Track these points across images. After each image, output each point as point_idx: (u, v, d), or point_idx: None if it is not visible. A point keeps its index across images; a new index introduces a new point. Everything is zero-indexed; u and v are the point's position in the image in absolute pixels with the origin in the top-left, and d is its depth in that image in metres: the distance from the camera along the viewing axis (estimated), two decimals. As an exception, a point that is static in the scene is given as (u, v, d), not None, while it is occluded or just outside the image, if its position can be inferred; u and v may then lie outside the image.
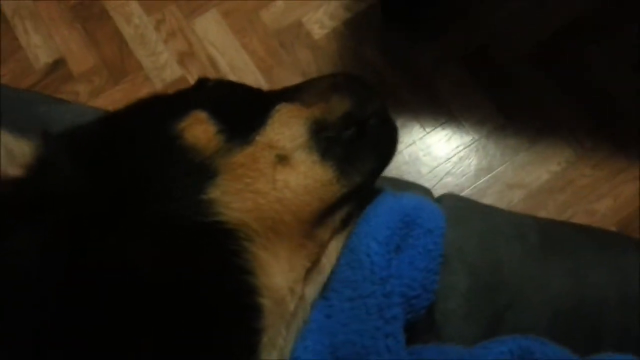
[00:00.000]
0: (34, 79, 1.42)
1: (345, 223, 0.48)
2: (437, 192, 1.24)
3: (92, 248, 0.37)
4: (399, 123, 1.29)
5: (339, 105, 0.48)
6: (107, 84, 1.40)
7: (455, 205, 0.62)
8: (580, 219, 1.22)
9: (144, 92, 1.38)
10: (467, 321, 0.54)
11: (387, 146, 0.51)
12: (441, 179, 1.28)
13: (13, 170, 0.40)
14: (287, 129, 0.44)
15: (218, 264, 0.38)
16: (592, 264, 0.58)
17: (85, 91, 1.40)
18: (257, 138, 0.43)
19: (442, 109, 1.31)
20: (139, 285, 0.36)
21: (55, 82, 1.42)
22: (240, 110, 0.47)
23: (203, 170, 0.40)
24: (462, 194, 1.26)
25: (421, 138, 1.30)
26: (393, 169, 1.28)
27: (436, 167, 1.29)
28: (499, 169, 1.27)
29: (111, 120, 0.47)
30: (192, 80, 1.37)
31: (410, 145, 1.30)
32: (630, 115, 1.26)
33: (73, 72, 1.42)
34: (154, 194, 0.39)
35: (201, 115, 0.44)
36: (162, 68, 1.39)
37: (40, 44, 1.45)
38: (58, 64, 1.43)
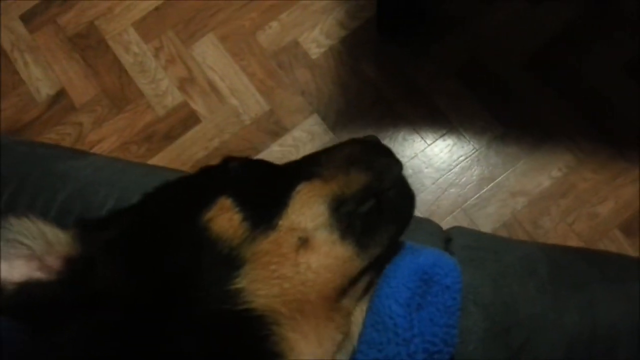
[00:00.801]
0: (37, 112, 1.44)
1: (368, 288, 0.50)
2: (442, 203, 1.29)
3: (144, 343, 0.39)
4: (399, 137, 1.34)
5: (357, 179, 0.50)
6: (110, 113, 1.42)
7: (467, 245, 0.64)
8: (582, 222, 1.24)
9: (146, 119, 1.40)
10: (485, 363, 0.56)
11: (405, 213, 0.53)
12: (445, 190, 1.30)
13: (52, 260, 0.43)
14: (307, 209, 0.47)
15: (250, 350, 0.41)
16: (602, 297, 0.60)
17: (89, 121, 1.42)
18: (280, 222, 0.45)
19: (441, 121, 1.33)
20: None
21: (58, 114, 1.43)
22: (263, 192, 0.49)
23: (231, 261, 0.42)
24: (466, 204, 1.29)
25: (423, 150, 1.32)
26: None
27: (439, 178, 1.31)
28: (501, 178, 1.29)
29: (143, 212, 0.49)
30: (194, 105, 1.39)
31: (412, 158, 1.32)
32: (627, 118, 1.28)
33: (75, 103, 1.44)
34: (189, 288, 0.41)
35: (226, 202, 0.46)
36: (164, 95, 1.41)
37: (41, 77, 1.46)
38: (59, 96, 1.44)
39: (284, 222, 0.45)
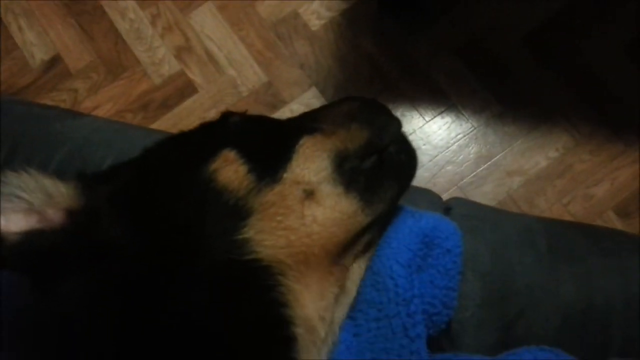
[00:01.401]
0: (31, 77, 1.42)
1: (368, 247, 0.50)
2: (439, 180, 1.28)
3: (151, 295, 0.39)
4: (398, 113, 1.32)
5: (358, 134, 0.50)
6: (105, 80, 1.40)
7: (467, 214, 0.64)
8: (577, 203, 1.25)
9: (142, 87, 1.39)
10: (481, 329, 0.56)
11: (408, 171, 0.53)
12: (442, 167, 1.30)
13: (53, 212, 0.42)
14: (311, 162, 0.46)
15: (257, 299, 0.40)
16: (599, 269, 0.60)
17: (84, 88, 1.40)
18: (285, 175, 0.45)
19: (440, 98, 1.33)
20: (202, 327, 0.38)
21: (53, 80, 1.41)
22: (266, 145, 0.48)
23: (237, 211, 0.42)
24: (463, 182, 1.28)
25: (421, 127, 1.32)
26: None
27: (436, 155, 1.31)
28: (498, 157, 1.29)
29: (145, 165, 0.48)
30: (191, 74, 1.37)
31: (410, 134, 1.31)
32: (625, 100, 1.28)
33: (70, 69, 1.41)
34: (196, 239, 0.40)
35: (230, 154, 0.45)
36: (160, 63, 1.39)
37: (35, 42, 1.43)
38: (55, 61, 1.42)
39: (289, 175, 0.45)
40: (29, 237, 0.39)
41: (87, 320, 0.39)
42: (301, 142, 0.47)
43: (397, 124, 0.53)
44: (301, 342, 0.41)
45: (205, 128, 0.53)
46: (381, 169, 0.50)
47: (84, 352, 0.38)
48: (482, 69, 1.32)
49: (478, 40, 1.34)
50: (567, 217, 1.24)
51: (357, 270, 0.49)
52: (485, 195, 1.27)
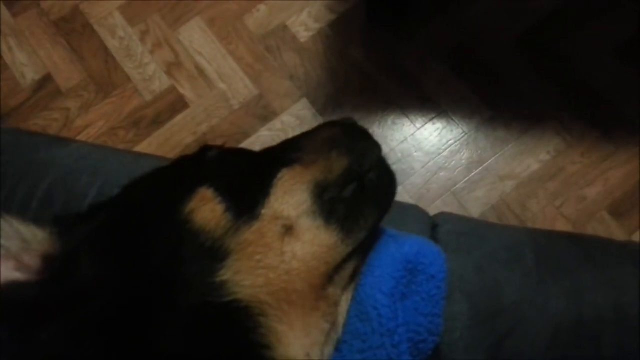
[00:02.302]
0: (22, 97, 1.42)
1: (353, 275, 0.50)
2: (432, 187, 1.29)
3: (129, 338, 0.39)
4: (388, 121, 1.33)
5: (338, 162, 0.50)
6: (97, 98, 1.40)
7: (453, 231, 0.64)
8: (570, 205, 1.25)
9: (134, 104, 1.39)
10: (470, 350, 0.56)
11: (388, 196, 0.53)
12: (434, 173, 1.30)
13: (29, 258, 0.42)
14: (290, 196, 0.46)
15: (236, 341, 0.40)
16: (588, 282, 0.61)
17: (75, 106, 1.40)
18: (263, 211, 0.45)
19: (430, 105, 1.33)
20: None
21: (44, 99, 1.42)
22: (244, 180, 0.48)
23: (214, 253, 0.42)
24: (455, 187, 1.29)
25: (412, 134, 1.32)
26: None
27: (428, 162, 1.31)
28: (490, 161, 1.29)
29: (122, 205, 0.48)
30: (181, 89, 1.38)
31: (401, 142, 1.32)
32: (614, 101, 1.28)
33: (61, 88, 1.42)
34: (173, 282, 0.41)
35: (207, 193, 0.45)
36: (150, 79, 1.39)
37: (25, 62, 1.44)
38: (45, 81, 1.43)
39: (267, 211, 0.45)
40: (5, 289, 0.39)
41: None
42: (279, 175, 0.47)
43: (377, 149, 0.53)
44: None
45: (183, 163, 0.53)
46: (361, 196, 0.50)
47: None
48: (471, 74, 1.33)
49: (466, 46, 1.34)
50: (560, 219, 1.24)
51: (345, 302, 0.49)
52: (478, 200, 1.27)
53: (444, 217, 0.69)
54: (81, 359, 0.39)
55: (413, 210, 0.70)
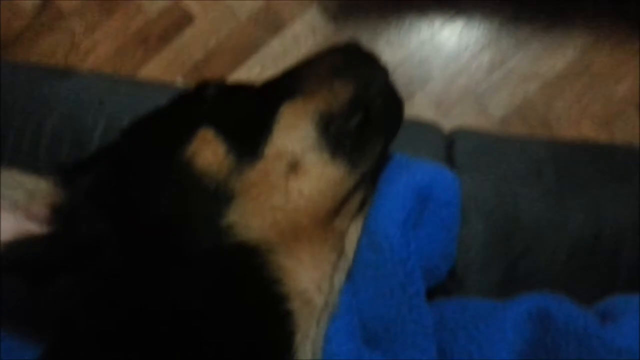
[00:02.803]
0: (25, 23, 1.38)
1: (362, 205, 0.49)
2: (452, 92, 1.24)
3: (142, 289, 0.39)
4: (405, 24, 1.26)
5: (342, 91, 0.47)
6: (101, 18, 1.36)
7: (469, 150, 0.62)
8: (597, 104, 1.20)
9: (139, 22, 1.34)
10: (485, 269, 0.56)
11: (395, 122, 0.51)
12: (454, 78, 1.25)
13: (37, 209, 0.42)
14: (293, 131, 0.44)
15: (247, 280, 0.40)
16: (609, 196, 0.59)
17: (80, 28, 1.36)
18: (266, 149, 0.43)
19: (449, 4, 1.25)
20: (197, 313, 0.39)
21: (47, 23, 1.37)
22: (245, 118, 0.46)
23: (219, 196, 0.41)
24: (477, 91, 1.24)
25: (430, 38, 1.26)
26: (402, 77, 1.26)
27: (448, 66, 1.25)
28: (513, 62, 1.23)
29: (122, 154, 0.47)
30: (186, 5, 1.31)
31: (420, 46, 1.26)
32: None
33: (63, 10, 1.37)
34: (180, 229, 0.40)
35: (208, 134, 0.43)
36: (153, -6, 1.33)
37: (23, -17, 1.38)
38: (46, 4, 1.37)
39: (270, 149, 0.43)
40: (18, 245, 0.39)
41: (84, 314, 0.40)
42: (282, 109, 0.45)
43: (383, 74, 0.49)
44: (297, 316, 0.41)
45: (182, 102, 0.51)
46: (368, 126, 0.47)
47: (84, 344, 0.39)
48: (492, -32, 1.23)
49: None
50: (586, 120, 1.20)
51: (354, 231, 0.48)
52: (501, 102, 1.23)
53: (460, 134, 0.67)
54: (94, 318, 0.39)
55: (427, 130, 0.67)
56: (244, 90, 0.51)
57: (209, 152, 0.43)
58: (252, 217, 0.41)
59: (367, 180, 0.48)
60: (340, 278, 0.46)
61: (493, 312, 0.48)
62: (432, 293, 0.52)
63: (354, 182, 0.46)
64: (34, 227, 0.41)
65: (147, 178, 0.43)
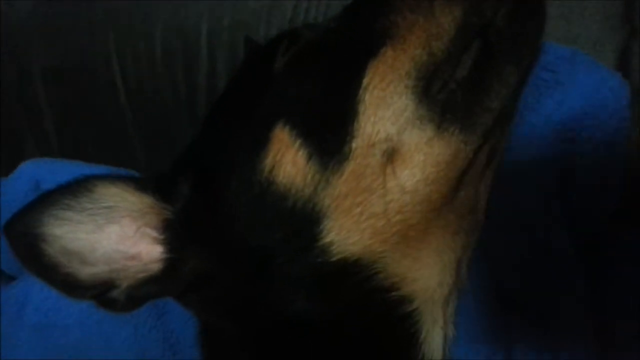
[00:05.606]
0: None
1: (489, 161, 0.39)
2: None
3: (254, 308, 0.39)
4: None
5: (446, 19, 0.33)
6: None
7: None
8: None
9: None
10: None
11: (530, 46, 0.35)
12: None
13: (146, 226, 0.40)
14: (385, 109, 0.34)
15: (359, 293, 0.37)
16: None
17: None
18: (354, 144, 0.34)
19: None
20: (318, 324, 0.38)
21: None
22: (322, 102, 0.36)
23: (308, 217, 0.35)
24: None
25: None
26: None
27: None
28: None
29: (205, 168, 0.40)
30: None
31: None
32: None
33: None
34: (279, 254, 0.37)
35: (284, 135, 0.36)
36: None
37: None
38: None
39: (358, 142, 0.34)
40: (138, 288, 0.40)
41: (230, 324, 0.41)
42: (365, 78, 0.34)
43: None
44: (420, 313, 0.38)
45: (255, 71, 0.41)
46: (489, 61, 0.34)
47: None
48: None
49: None
50: None
51: (484, 192, 0.39)
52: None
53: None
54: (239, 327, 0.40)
55: None
56: (314, 55, 0.39)
57: (288, 162, 0.35)
58: (350, 233, 0.35)
59: (496, 130, 0.36)
60: (470, 249, 0.40)
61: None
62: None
63: (473, 150, 0.35)
64: (143, 247, 0.40)
65: (234, 203, 0.38)
